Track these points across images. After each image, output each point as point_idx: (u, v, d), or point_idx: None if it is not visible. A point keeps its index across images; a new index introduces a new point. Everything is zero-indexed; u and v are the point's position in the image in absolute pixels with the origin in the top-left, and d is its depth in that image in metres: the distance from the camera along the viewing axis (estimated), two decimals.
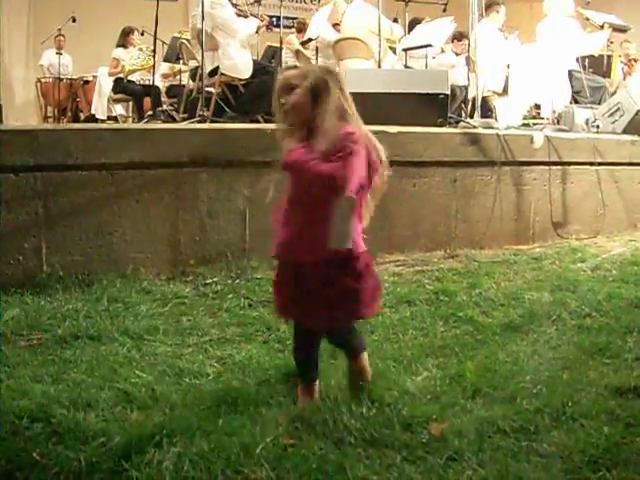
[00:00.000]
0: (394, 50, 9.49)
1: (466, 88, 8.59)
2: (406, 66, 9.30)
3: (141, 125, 7.41)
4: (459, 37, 10.02)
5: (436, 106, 6.39)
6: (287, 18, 10.47)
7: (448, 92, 6.51)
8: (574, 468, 2.57)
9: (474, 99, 8.28)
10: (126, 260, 5.09)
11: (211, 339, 3.94)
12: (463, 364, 3.53)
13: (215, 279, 5.10)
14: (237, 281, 5.05)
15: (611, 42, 11.66)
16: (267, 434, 2.73)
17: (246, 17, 8.76)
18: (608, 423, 2.91)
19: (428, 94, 6.39)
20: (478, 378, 3.27)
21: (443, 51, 10.02)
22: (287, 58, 10.02)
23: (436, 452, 2.66)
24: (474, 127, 6.79)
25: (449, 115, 6.80)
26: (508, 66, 9.69)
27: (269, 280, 5.06)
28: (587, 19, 10.45)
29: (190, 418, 2.86)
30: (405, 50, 9.29)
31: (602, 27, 10.18)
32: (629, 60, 12.86)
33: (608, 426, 2.88)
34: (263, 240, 5.44)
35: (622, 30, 10.76)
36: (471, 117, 8.02)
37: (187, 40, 9.37)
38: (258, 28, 8.91)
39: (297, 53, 9.90)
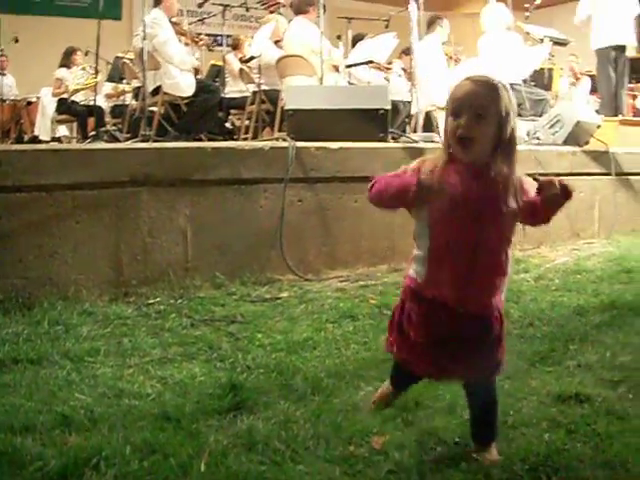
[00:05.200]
0: (337, 69, 9.54)
1: (409, 103, 8.68)
2: (350, 83, 9.37)
3: (81, 146, 7.32)
4: (407, 52, 10.13)
5: (377, 121, 6.39)
6: (230, 37, 10.49)
7: (388, 107, 6.51)
8: (514, 476, 2.58)
9: (417, 114, 8.35)
10: (67, 282, 5.01)
11: (152, 359, 3.88)
12: None
13: (157, 299, 5.04)
14: (179, 300, 5.00)
15: (552, 55, 11.88)
16: (205, 453, 2.70)
17: (185, 38, 8.77)
18: (549, 430, 2.94)
19: (369, 109, 6.39)
20: (419, 390, 3.26)
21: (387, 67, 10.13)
22: (227, 78, 10.05)
23: (376, 465, 2.65)
24: (415, 142, 6.82)
25: (390, 130, 6.82)
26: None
27: (211, 299, 5.06)
28: (527, 33, 10.64)
29: (128, 439, 2.81)
30: (348, 67, 9.36)
31: (542, 41, 10.36)
32: (574, 74, 13.15)
33: (549, 433, 2.90)
34: (205, 258, 5.44)
35: (562, 44, 10.96)
36: (415, 132, 8.08)
37: (129, 60, 9.35)
38: (197, 70, 8.97)
39: (241, 72, 9.92)
